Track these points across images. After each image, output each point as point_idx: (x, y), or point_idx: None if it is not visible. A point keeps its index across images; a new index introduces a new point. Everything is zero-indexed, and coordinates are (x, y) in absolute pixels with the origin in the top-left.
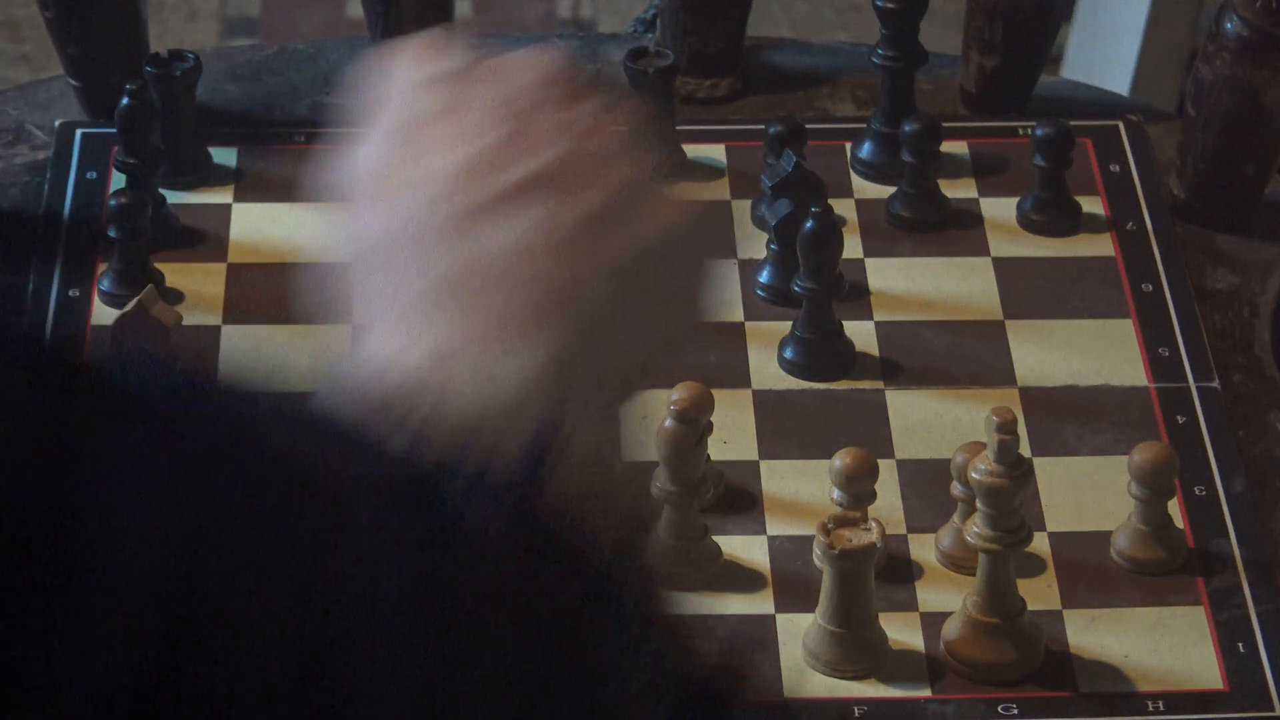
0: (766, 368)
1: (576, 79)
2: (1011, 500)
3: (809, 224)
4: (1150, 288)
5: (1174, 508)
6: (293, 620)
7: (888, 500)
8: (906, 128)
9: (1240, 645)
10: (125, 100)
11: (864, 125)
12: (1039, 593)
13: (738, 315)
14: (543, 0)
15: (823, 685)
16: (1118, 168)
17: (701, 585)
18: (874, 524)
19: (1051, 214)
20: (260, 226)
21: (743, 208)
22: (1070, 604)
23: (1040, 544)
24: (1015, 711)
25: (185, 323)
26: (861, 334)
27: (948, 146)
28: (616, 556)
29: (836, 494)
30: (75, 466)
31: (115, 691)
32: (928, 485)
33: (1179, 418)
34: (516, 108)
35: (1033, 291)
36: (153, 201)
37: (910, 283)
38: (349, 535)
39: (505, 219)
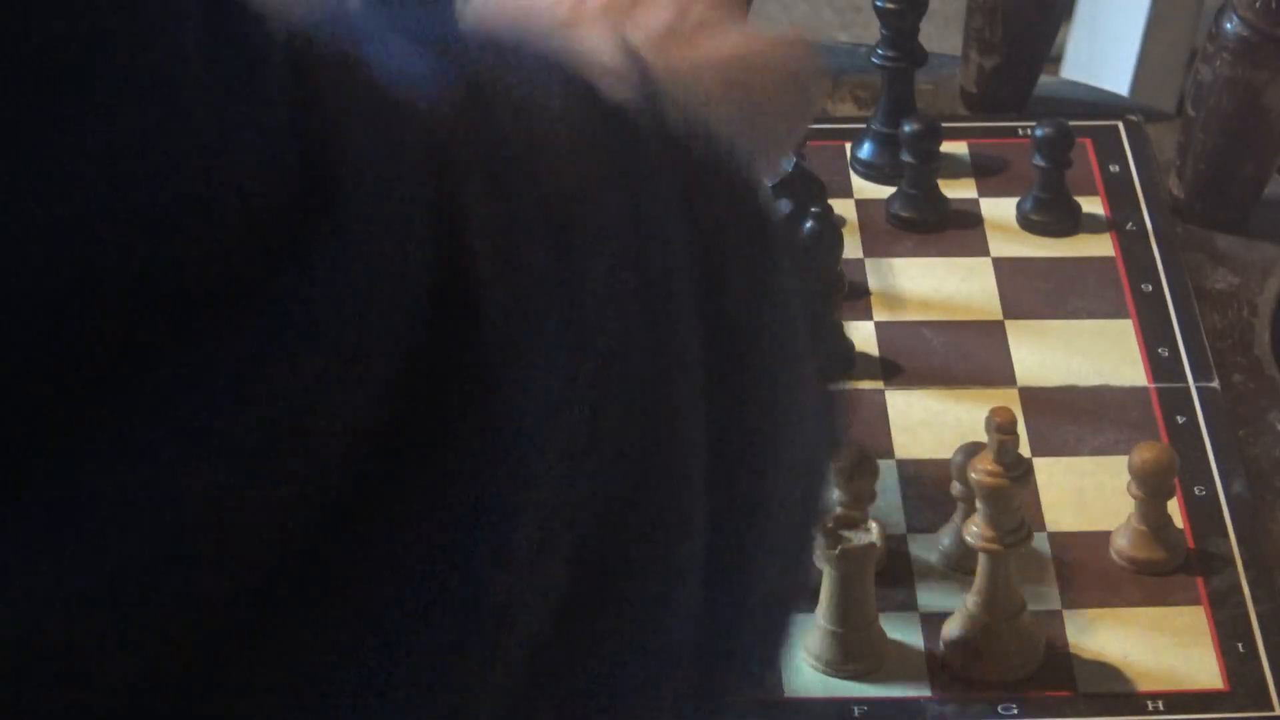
0: None
1: None
2: (1011, 500)
3: (809, 224)
4: (1150, 288)
5: (1174, 508)
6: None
7: (888, 500)
8: (906, 128)
9: (1240, 645)
10: None
11: (864, 125)
12: (1039, 593)
13: None
14: None
15: (823, 685)
16: (1118, 168)
17: None
18: (874, 524)
19: (1051, 214)
20: None
21: None
22: (1070, 604)
23: (1040, 544)
24: (1015, 711)
25: None
26: (861, 334)
27: (948, 146)
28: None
29: (836, 494)
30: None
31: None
32: (928, 485)
33: (1179, 418)
34: None
35: (1033, 291)
36: None
37: (910, 283)
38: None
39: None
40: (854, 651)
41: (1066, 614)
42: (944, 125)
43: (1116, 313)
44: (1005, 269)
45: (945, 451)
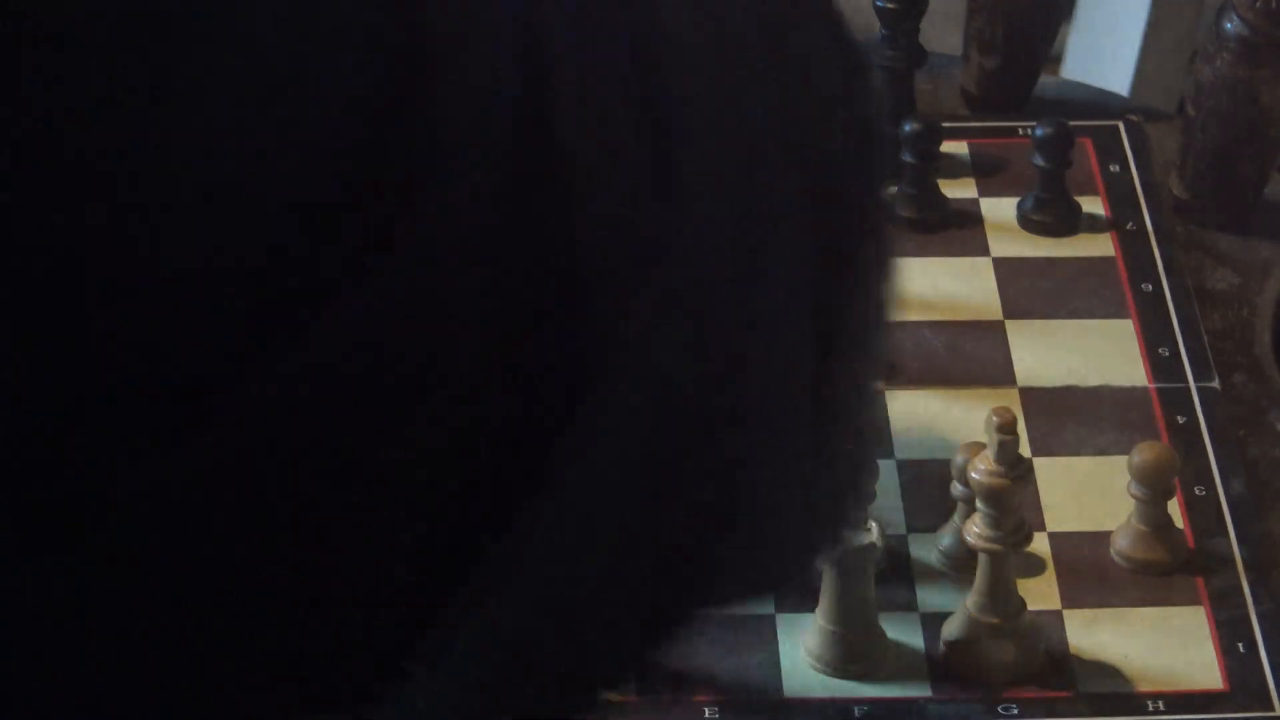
0: None
1: None
2: (1011, 500)
3: None
4: (1150, 288)
5: (1174, 508)
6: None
7: (888, 500)
8: (906, 128)
9: (1240, 645)
10: None
11: None
12: (1039, 593)
13: None
14: None
15: (823, 685)
16: (1118, 168)
17: None
18: (874, 524)
19: (1051, 214)
20: None
21: None
22: (1070, 604)
23: (1040, 544)
24: (1015, 711)
25: None
26: None
27: (948, 146)
28: None
29: None
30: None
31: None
32: (928, 485)
33: (1179, 418)
34: None
35: (1033, 291)
36: None
37: (910, 283)
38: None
39: None
40: (854, 651)
41: (1066, 614)
42: (944, 125)
43: (1116, 313)
44: (1005, 269)
45: (945, 451)
